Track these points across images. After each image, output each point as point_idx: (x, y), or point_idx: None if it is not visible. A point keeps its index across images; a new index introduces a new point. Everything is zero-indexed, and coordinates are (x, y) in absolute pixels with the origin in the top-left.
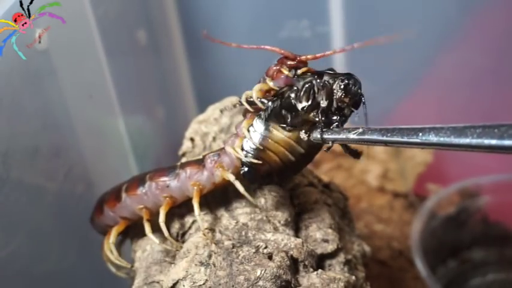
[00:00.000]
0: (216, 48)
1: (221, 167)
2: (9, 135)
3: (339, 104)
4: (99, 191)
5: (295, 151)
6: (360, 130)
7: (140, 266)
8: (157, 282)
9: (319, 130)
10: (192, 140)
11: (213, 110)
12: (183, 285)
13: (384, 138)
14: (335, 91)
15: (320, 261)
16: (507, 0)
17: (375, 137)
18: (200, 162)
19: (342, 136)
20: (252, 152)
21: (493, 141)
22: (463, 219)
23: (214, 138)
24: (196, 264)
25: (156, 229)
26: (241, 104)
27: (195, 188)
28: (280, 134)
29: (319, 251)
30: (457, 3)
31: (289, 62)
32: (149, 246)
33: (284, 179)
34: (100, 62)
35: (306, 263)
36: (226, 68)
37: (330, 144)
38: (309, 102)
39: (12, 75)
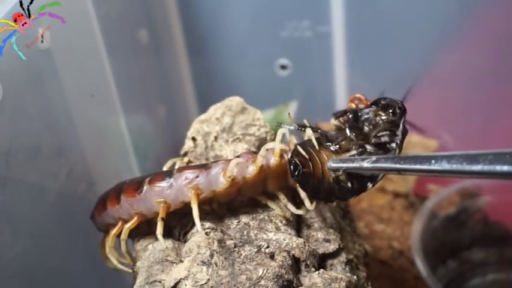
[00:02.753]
0: (217, 48)
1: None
2: (11, 135)
3: (379, 134)
4: (100, 190)
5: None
6: (373, 158)
7: (142, 265)
8: (159, 282)
9: (333, 159)
10: (194, 139)
11: (214, 110)
12: (185, 285)
13: (397, 166)
14: (378, 110)
15: (322, 261)
16: (507, 1)
17: (388, 165)
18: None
19: (356, 165)
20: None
21: (505, 168)
22: (463, 219)
23: (216, 138)
24: (198, 264)
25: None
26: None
27: (226, 179)
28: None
29: (320, 250)
30: (457, 4)
31: (357, 102)
32: (151, 245)
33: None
34: (102, 61)
35: (308, 262)
36: (227, 67)
37: (341, 172)
38: (358, 129)
39: (14, 74)
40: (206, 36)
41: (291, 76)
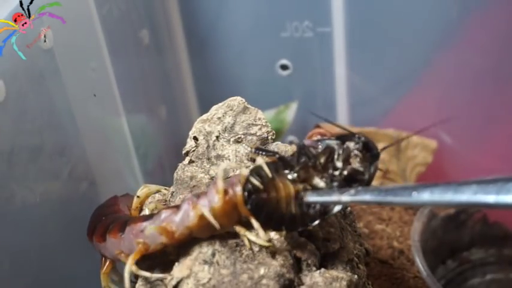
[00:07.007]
0: (219, 49)
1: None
2: (14, 134)
3: (353, 167)
4: (102, 189)
5: (290, 204)
6: (352, 191)
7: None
8: (161, 281)
9: (310, 192)
10: (195, 139)
11: (216, 110)
12: (187, 283)
13: (378, 198)
14: (353, 150)
15: (323, 260)
16: (507, 1)
17: (368, 197)
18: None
19: (334, 198)
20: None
21: (491, 198)
22: (462, 219)
23: (217, 138)
24: (200, 263)
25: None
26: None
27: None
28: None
29: (322, 250)
30: (457, 3)
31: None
32: None
33: (281, 227)
34: (103, 61)
35: (309, 261)
36: (228, 68)
37: (318, 207)
38: (327, 160)
39: (17, 74)
40: (207, 37)
41: (291, 76)
